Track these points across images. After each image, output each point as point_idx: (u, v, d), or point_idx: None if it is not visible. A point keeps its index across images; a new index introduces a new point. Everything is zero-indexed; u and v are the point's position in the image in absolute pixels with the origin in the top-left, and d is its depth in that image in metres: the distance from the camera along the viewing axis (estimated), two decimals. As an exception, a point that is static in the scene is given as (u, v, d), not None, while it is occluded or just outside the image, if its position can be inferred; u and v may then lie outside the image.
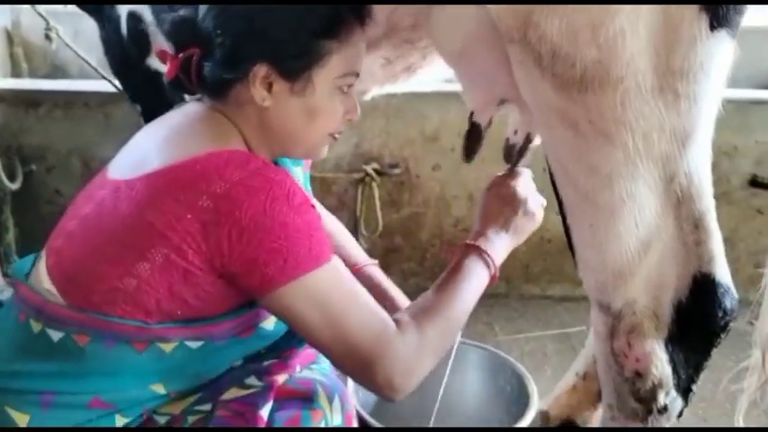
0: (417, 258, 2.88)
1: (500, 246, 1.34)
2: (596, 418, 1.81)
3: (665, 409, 1.22)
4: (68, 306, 1.12)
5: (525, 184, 1.40)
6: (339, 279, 1.14)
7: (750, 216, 2.76)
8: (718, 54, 1.04)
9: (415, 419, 1.80)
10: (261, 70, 1.14)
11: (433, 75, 1.64)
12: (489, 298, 2.79)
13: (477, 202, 1.43)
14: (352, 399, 1.32)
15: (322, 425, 1.20)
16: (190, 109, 1.24)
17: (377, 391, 1.18)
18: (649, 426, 1.24)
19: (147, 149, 1.18)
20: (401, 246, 2.86)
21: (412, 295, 1.45)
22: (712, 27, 1.02)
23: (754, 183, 2.75)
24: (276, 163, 1.28)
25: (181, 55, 1.17)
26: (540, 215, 1.40)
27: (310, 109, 1.18)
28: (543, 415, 1.77)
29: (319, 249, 1.10)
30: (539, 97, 1.15)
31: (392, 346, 1.13)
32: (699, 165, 1.12)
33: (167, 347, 1.13)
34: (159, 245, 1.07)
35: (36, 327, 1.14)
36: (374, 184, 2.75)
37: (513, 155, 1.45)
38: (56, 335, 1.12)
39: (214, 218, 1.05)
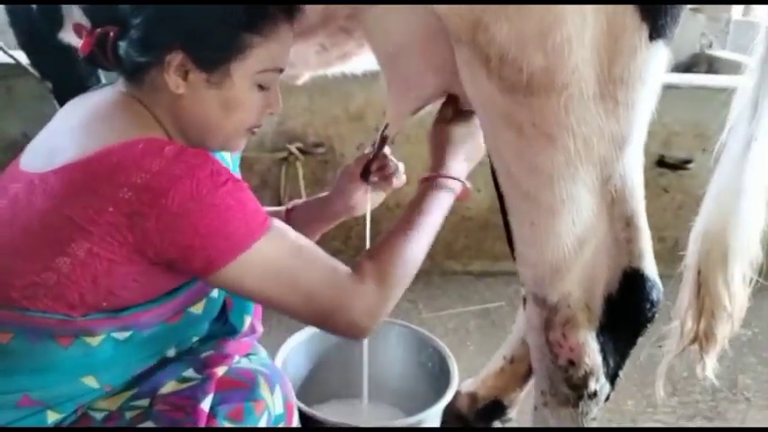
0: (342, 238, 2.88)
1: (460, 169, 1.35)
2: (521, 398, 1.90)
3: (594, 395, 1.29)
4: None
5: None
6: (282, 243, 1.13)
7: (656, 194, 2.92)
8: (655, 63, 1.09)
9: (344, 396, 1.84)
10: (176, 58, 1.10)
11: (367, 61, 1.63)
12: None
13: (432, 134, 1.41)
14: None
15: (264, 416, 1.20)
16: (105, 94, 1.19)
17: (342, 336, 1.21)
18: (579, 410, 1.30)
19: (59, 138, 1.14)
20: (331, 233, 2.85)
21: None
22: (651, 37, 1.06)
23: (661, 163, 2.91)
24: None
25: (97, 31, 1.12)
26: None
27: (227, 102, 1.14)
28: (471, 396, 1.83)
29: (255, 221, 1.10)
30: (484, 98, 1.16)
31: (348, 292, 1.15)
32: (632, 167, 1.18)
33: (94, 341, 1.11)
34: (80, 239, 1.04)
35: None
36: (298, 164, 2.72)
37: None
38: None
39: (139, 209, 1.03)
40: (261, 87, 1.17)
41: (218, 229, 1.05)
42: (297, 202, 1.58)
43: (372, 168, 1.46)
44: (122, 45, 1.11)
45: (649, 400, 2.12)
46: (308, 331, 1.82)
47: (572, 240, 1.19)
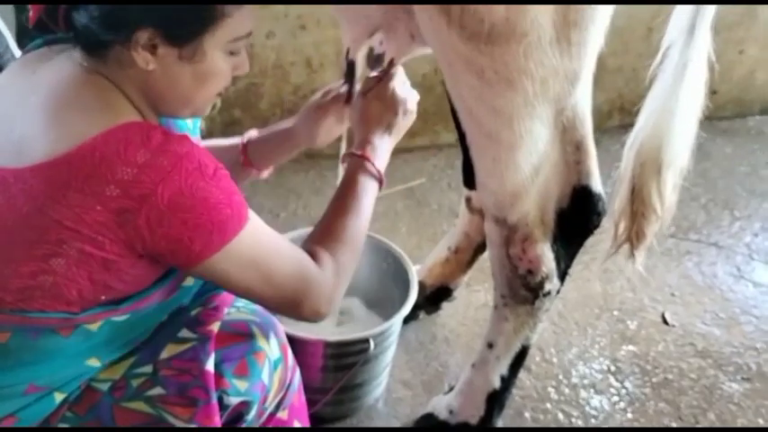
0: (259, 128, 2.85)
1: (384, 150, 1.39)
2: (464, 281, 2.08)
3: (548, 293, 1.46)
4: None
5: (401, 84, 1.42)
6: (259, 234, 1.15)
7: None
8: (605, 5, 1.15)
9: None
10: (144, 35, 1.04)
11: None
12: (333, 159, 2.91)
13: (351, 110, 1.44)
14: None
15: (266, 365, 1.27)
16: (62, 69, 1.11)
17: (305, 320, 1.26)
18: (535, 306, 1.47)
19: (22, 125, 1.06)
20: (241, 118, 2.81)
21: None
22: (603, -19, 1.11)
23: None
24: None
25: None
26: (415, 111, 1.43)
27: (200, 74, 1.11)
28: (420, 285, 1.98)
29: (239, 213, 1.11)
30: (444, 44, 1.19)
31: (315, 282, 1.20)
32: (583, 97, 1.26)
33: (93, 326, 1.13)
34: (71, 239, 1.02)
35: None
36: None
37: (381, 63, 1.47)
38: None
39: (127, 205, 1.01)
40: (231, 53, 1.13)
41: (206, 223, 1.05)
42: (252, 134, 1.55)
43: (354, 91, 1.45)
44: (78, 17, 1.04)
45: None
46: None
47: (529, 168, 1.29)
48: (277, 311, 1.27)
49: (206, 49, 1.09)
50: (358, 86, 1.47)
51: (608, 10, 1.16)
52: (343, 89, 1.48)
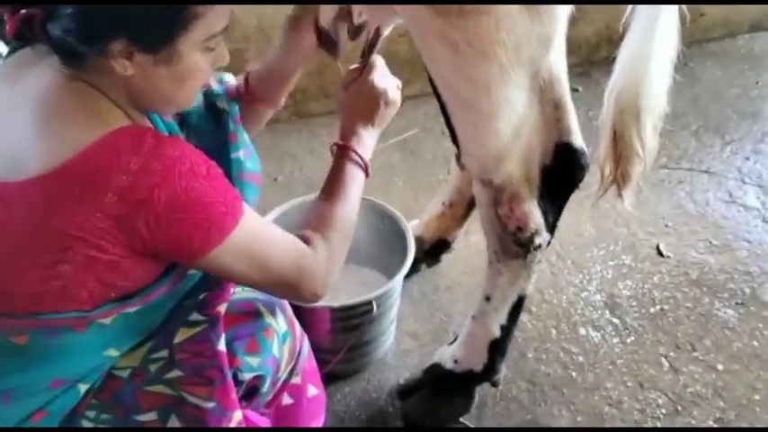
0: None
1: (370, 141, 1.43)
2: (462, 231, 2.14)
3: (539, 246, 1.51)
4: None
5: (382, 75, 1.45)
6: (254, 226, 1.20)
7: None
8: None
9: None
10: (117, 46, 1.07)
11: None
12: (324, 117, 2.93)
13: (336, 100, 1.46)
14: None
15: (275, 340, 1.34)
16: (45, 77, 1.13)
17: (304, 302, 1.33)
18: (527, 260, 1.53)
19: (15, 138, 1.09)
20: (229, 84, 2.82)
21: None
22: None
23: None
24: None
25: (21, 12, 1.07)
26: (399, 98, 1.46)
27: (179, 75, 1.13)
28: (418, 239, 2.04)
29: (233, 208, 1.15)
30: (417, 19, 1.21)
31: (310, 266, 1.25)
32: (557, 58, 1.29)
33: (107, 320, 1.18)
34: (75, 246, 1.07)
35: None
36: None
37: (361, 32, 1.46)
38: None
39: (125, 211, 1.05)
40: (208, 49, 1.15)
41: (203, 221, 1.10)
42: (251, 72, 1.55)
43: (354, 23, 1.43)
44: (53, 28, 1.06)
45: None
46: (280, 209, 1.92)
47: (510, 132, 1.32)
48: (276, 296, 1.34)
49: (181, 50, 1.11)
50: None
51: (574, -28, 1.18)
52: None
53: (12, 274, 1.10)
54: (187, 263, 1.17)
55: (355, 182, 1.38)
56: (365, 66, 1.44)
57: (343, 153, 1.40)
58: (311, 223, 1.33)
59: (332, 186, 1.37)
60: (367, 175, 1.41)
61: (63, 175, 1.05)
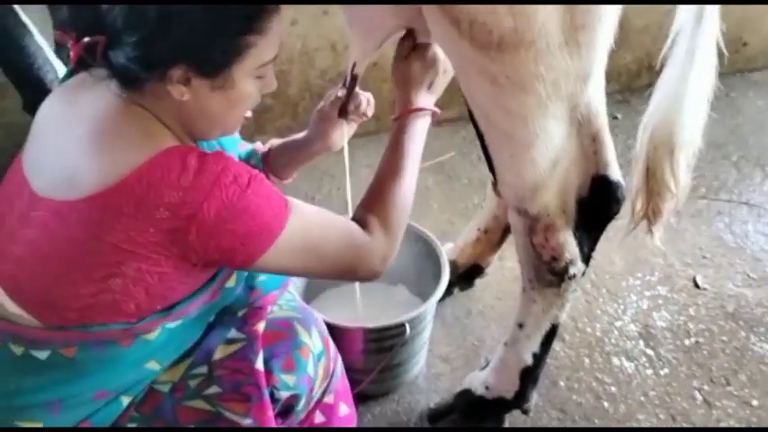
0: (290, 114, 2.94)
1: (426, 102, 1.48)
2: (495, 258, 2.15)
3: (573, 276, 1.52)
4: (46, 327, 1.18)
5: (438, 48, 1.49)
6: (304, 221, 1.24)
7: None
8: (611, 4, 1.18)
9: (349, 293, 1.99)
10: (177, 72, 1.13)
11: None
12: (361, 138, 2.97)
13: (393, 71, 1.50)
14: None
15: (311, 359, 1.38)
16: (102, 100, 1.19)
17: (364, 281, 1.44)
18: (561, 289, 1.54)
19: (72, 158, 1.15)
20: (272, 105, 2.89)
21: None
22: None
23: None
24: None
25: (85, 41, 1.12)
26: (452, 70, 1.48)
27: (231, 100, 1.19)
28: (452, 264, 2.06)
29: (279, 211, 1.20)
30: (457, 53, 1.24)
31: (364, 247, 1.31)
32: (595, 92, 1.30)
33: (151, 335, 1.23)
34: (128, 260, 1.12)
35: (17, 350, 1.19)
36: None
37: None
38: (42, 354, 1.18)
39: (177, 225, 1.11)
40: (259, 77, 1.21)
41: (253, 228, 1.15)
42: (274, 143, 1.64)
43: (350, 108, 1.54)
44: (115, 55, 1.12)
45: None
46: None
47: (547, 163, 1.34)
48: (337, 279, 1.40)
49: (235, 77, 1.16)
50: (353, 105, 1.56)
51: (615, 7, 1.19)
52: (341, 93, 1.55)
53: (66, 288, 1.15)
54: (242, 268, 1.24)
55: (414, 143, 1.44)
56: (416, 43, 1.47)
57: (400, 120, 1.45)
58: (367, 203, 1.39)
59: (390, 158, 1.42)
60: (434, 114, 1.48)
61: (116, 192, 1.11)
